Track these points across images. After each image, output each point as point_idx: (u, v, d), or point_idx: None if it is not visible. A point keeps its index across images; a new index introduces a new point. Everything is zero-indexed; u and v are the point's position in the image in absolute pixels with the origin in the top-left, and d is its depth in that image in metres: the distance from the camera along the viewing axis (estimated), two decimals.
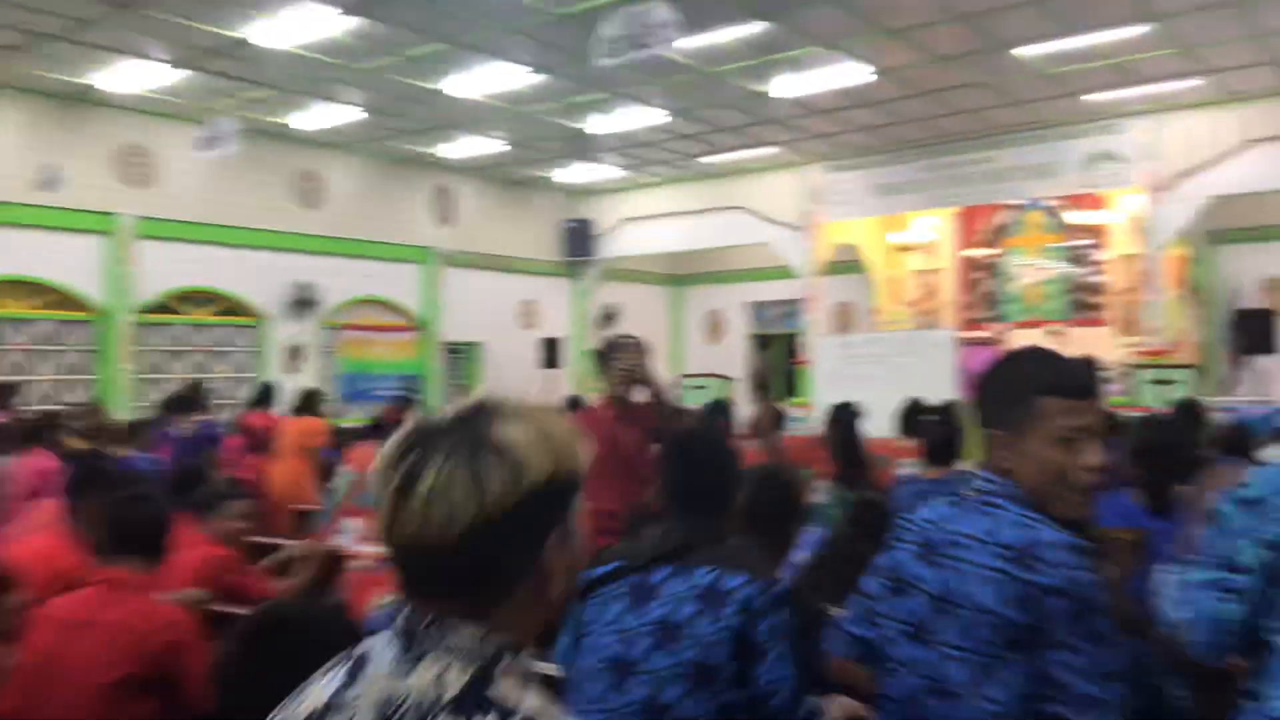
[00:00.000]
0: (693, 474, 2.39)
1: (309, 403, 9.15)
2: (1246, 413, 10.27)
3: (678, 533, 2.28)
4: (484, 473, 1.07)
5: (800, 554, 4.29)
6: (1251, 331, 10.40)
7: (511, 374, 15.20)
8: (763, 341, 17.59)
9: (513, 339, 15.66)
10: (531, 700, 1.08)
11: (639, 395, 4.68)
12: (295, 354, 13.20)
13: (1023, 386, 1.83)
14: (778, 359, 16.65)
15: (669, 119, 12.12)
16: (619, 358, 4.69)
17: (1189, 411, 4.43)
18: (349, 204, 13.78)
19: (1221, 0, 8.58)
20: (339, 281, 13.57)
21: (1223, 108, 11.51)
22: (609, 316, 17.07)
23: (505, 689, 1.08)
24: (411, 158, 14.13)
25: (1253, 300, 13.02)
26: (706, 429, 2.59)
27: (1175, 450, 3.43)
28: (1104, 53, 9.93)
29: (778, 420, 5.95)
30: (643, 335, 14.96)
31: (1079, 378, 1.83)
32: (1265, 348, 10.39)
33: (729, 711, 2.08)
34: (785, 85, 10.81)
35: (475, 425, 1.11)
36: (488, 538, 1.07)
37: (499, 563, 1.10)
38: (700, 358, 17.43)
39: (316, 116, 12.02)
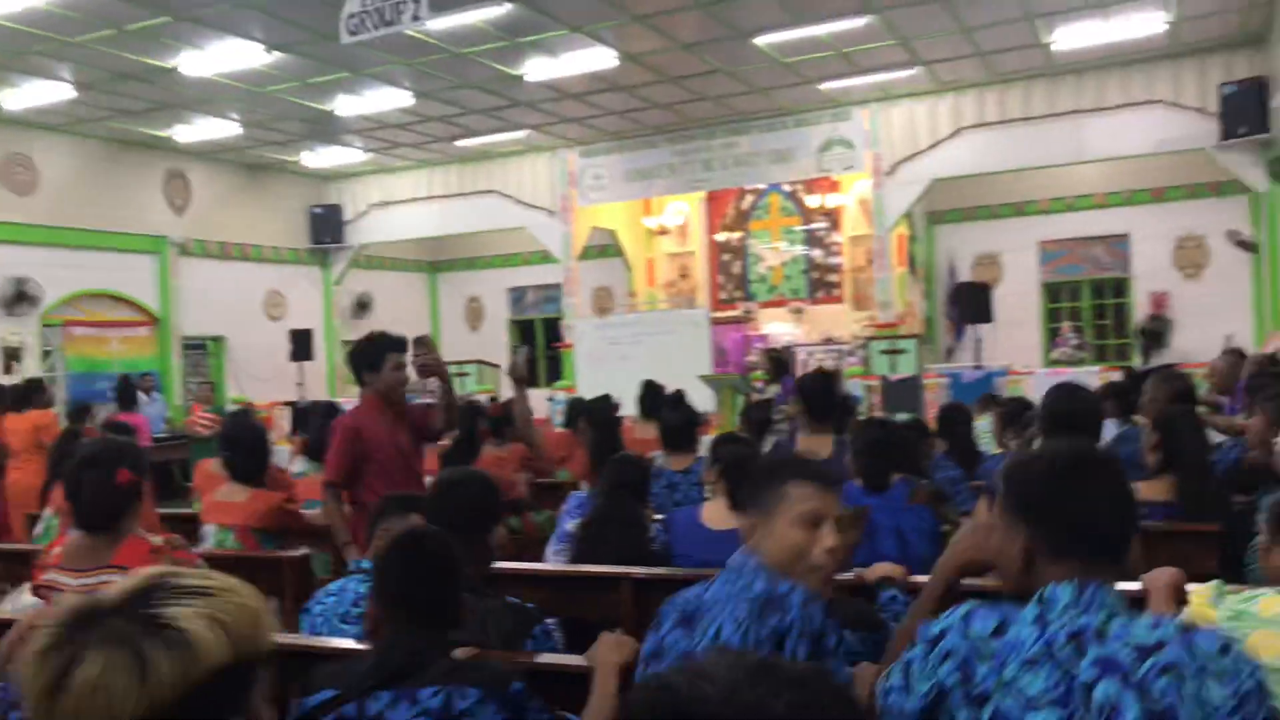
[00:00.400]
0: (416, 582, 2.13)
1: (30, 394, 8.35)
2: (968, 376, 11.30)
3: (399, 651, 2.03)
4: (151, 660, 0.98)
5: (568, 520, 4.35)
6: (970, 303, 11.40)
7: (260, 368, 14.49)
8: (523, 327, 17.62)
9: (259, 331, 14.92)
10: None
11: (419, 392, 4.58)
12: (12, 355, 12.01)
13: (773, 474, 2.09)
14: (539, 344, 16.73)
15: (417, 101, 11.88)
16: (418, 354, 4.55)
17: (916, 427, 5.06)
18: (68, 190, 12.65)
19: None
20: (61, 274, 12.43)
21: (938, 97, 12.53)
22: (363, 305, 16.58)
23: None
24: (140, 140, 13.14)
25: (968, 275, 14.28)
26: (429, 533, 2.29)
27: (895, 446, 3.85)
28: (832, 43, 10.56)
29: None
30: (399, 323, 14.63)
31: (822, 470, 2.09)
32: (983, 317, 11.43)
33: None
34: (536, 68, 10.84)
35: (144, 605, 1.02)
36: None
37: None
38: (461, 345, 17.24)
39: (25, 95, 10.95)
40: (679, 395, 6.61)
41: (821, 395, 4.77)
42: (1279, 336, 9.63)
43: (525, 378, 5.34)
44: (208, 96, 11.35)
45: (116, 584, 1.05)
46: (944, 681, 1.62)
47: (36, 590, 2.77)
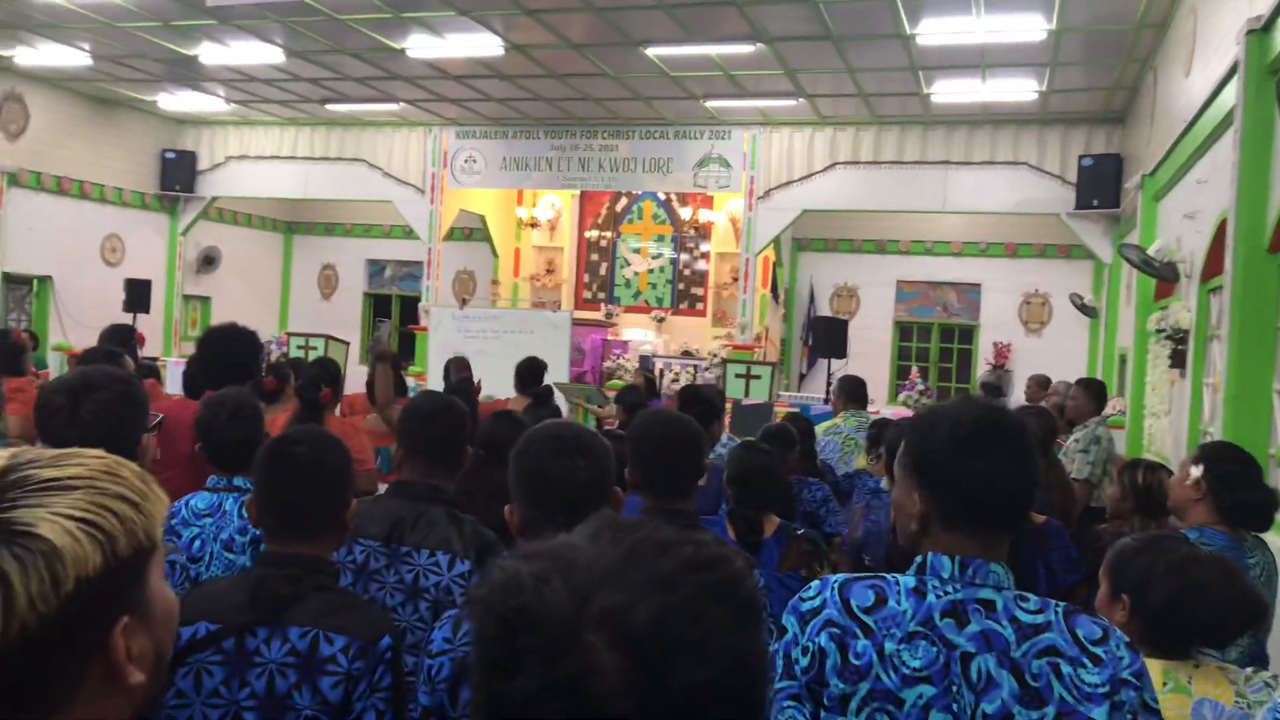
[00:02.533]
0: (288, 490, 2.04)
1: None
2: (817, 409, 11.48)
3: (275, 581, 1.97)
4: (8, 577, 0.81)
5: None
6: (826, 337, 11.59)
7: (89, 315, 13.56)
8: (379, 301, 17.07)
9: (92, 275, 13.96)
10: None
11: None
12: None
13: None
14: (394, 323, 16.24)
15: (289, 60, 11.28)
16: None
17: (781, 437, 4.75)
18: None
19: (822, 34, 9.38)
20: None
21: (817, 129, 12.69)
22: (209, 260, 15.75)
23: None
24: None
25: (828, 303, 14.56)
26: (308, 431, 2.20)
27: (767, 477, 3.56)
28: (720, 64, 10.54)
29: (399, 390, 5.65)
30: (247, 282, 13.86)
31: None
32: (838, 352, 11.65)
33: None
34: (420, 45, 10.44)
35: None
36: (25, 657, 0.82)
37: (45, 680, 0.85)
38: (312, 314, 16.59)
39: None
40: (547, 391, 6.47)
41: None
42: (1112, 401, 10.11)
43: (388, 353, 5.04)
44: (56, 21, 10.50)
45: None
46: (823, 647, 1.57)
47: None
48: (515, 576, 0.74)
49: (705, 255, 15.04)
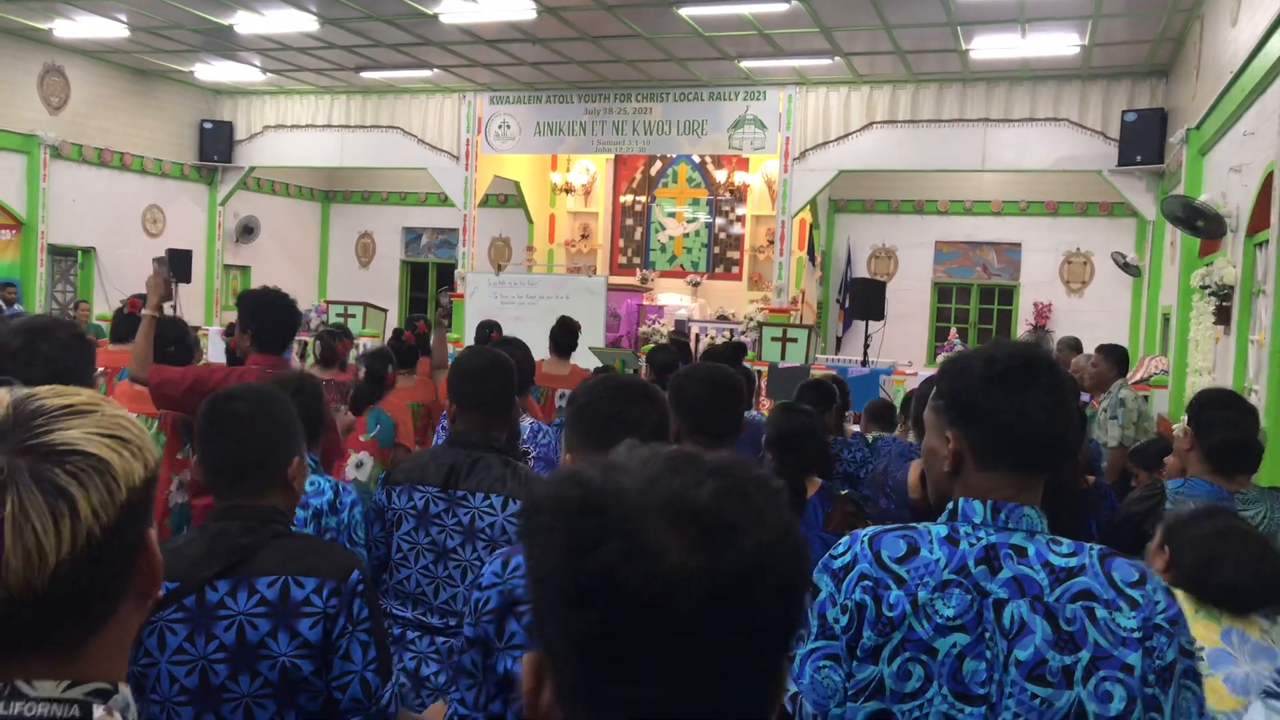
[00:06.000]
0: (232, 448, 2.01)
1: None
2: (854, 371, 11.43)
3: (232, 535, 1.96)
4: (69, 488, 0.85)
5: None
6: (865, 299, 11.50)
7: (132, 285, 13.75)
8: (416, 269, 17.17)
9: (134, 247, 14.16)
10: None
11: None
12: None
13: None
14: (430, 290, 16.34)
15: (322, 27, 11.30)
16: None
17: (819, 391, 4.68)
18: None
19: None
20: None
21: (853, 88, 12.53)
22: (248, 229, 15.90)
23: None
24: (15, 30, 12.21)
25: (864, 266, 14.45)
26: (248, 387, 2.19)
27: (809, 439, 3.51)
28: (755, 23, 10.42)
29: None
30: (286, 252, 14.02)
31: None
32: (875, 314, 11.56)
33: (331, 710, 1.97)
34: (453, 9, 10.41)
35: (25, 432, 0.88)
36: (85, 569, 0.87)
37: (95, 594, 0.90)
38: (351, 282, 16.72)
39: None
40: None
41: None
42: (1153, 360, 9.98)
43: (450, 316, 5.24)
44: None
45: None
46: (859, 602, 1.56)
47: None
48: (580, 472, 0.80)
49: (740, 219, 14.96)
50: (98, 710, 0.89)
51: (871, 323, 11.48)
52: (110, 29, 11.85)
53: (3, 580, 0.83)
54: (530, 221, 15.61)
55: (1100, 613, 1.50)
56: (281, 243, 16.55)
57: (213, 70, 13.85)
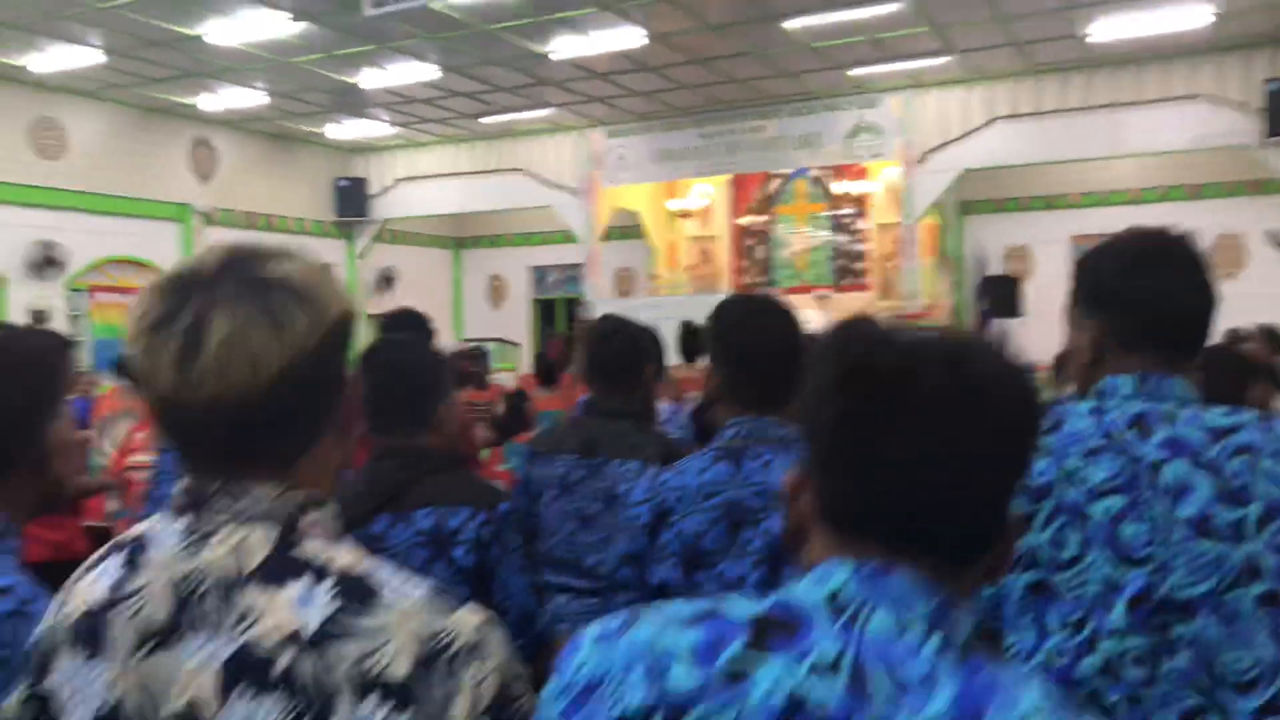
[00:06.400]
0: (390, 386, 2.16)
1: None
2: None
3: (389, 471, 2.11)
4: (282, 313, 0.97)
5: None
6: (998, 296, 11.18)
7: None
8: (545, 306, 17.55)
9: None
10: (345, 555, 0.98)
11: None
12: (39, 318, 12.06)
13: None
14: (557, 325, 16.65)
15: (442, 75, 11.77)
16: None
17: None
18: (96, 156, 12.67)
19: None
20: (87, 240, 12.48)
21: (971, 86, 12.27)
22: (387, 280, 16.56)
23: (314, 548, 0.98)
24: (166, 108, 13.13)
25: (996, 267, 14.04)
26: (397, 341, 2.39)
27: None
28: (863, 28, 10.34)
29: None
30: (423, 300, 14.64)
31: None
32: (1011, 311, 11.22)
33: None
34: (563, 46, 10.69)
35: (246, 267, 1.00)
36: (294, 383, 0.97)
37: (305, 409, 1.01)
38: (483, 322, 17.19)
39: (54, 59, 10.94)
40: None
41: None
42: None
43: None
44: (233, 65, 11.30)
45: (195, 257, 1.02)
46: None
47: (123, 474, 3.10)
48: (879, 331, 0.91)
49: (862, 234, 14.76)
50: (310, 514, 1.00)
51: (1010, 321, 11.12)
52: (251, 98, 12.62)
53: (229, 387, 0.94)
54: (652, 250, 15.78)
55: (1265, 464, 1.44)
56: (418, 291, 17.13)
57: (343, 129, 14.56)
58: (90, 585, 1.01)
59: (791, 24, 10.14)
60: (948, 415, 0.81)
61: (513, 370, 13.51)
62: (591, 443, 2.82)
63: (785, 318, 2.10)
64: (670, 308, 12.80)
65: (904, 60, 11.49)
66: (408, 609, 0.94)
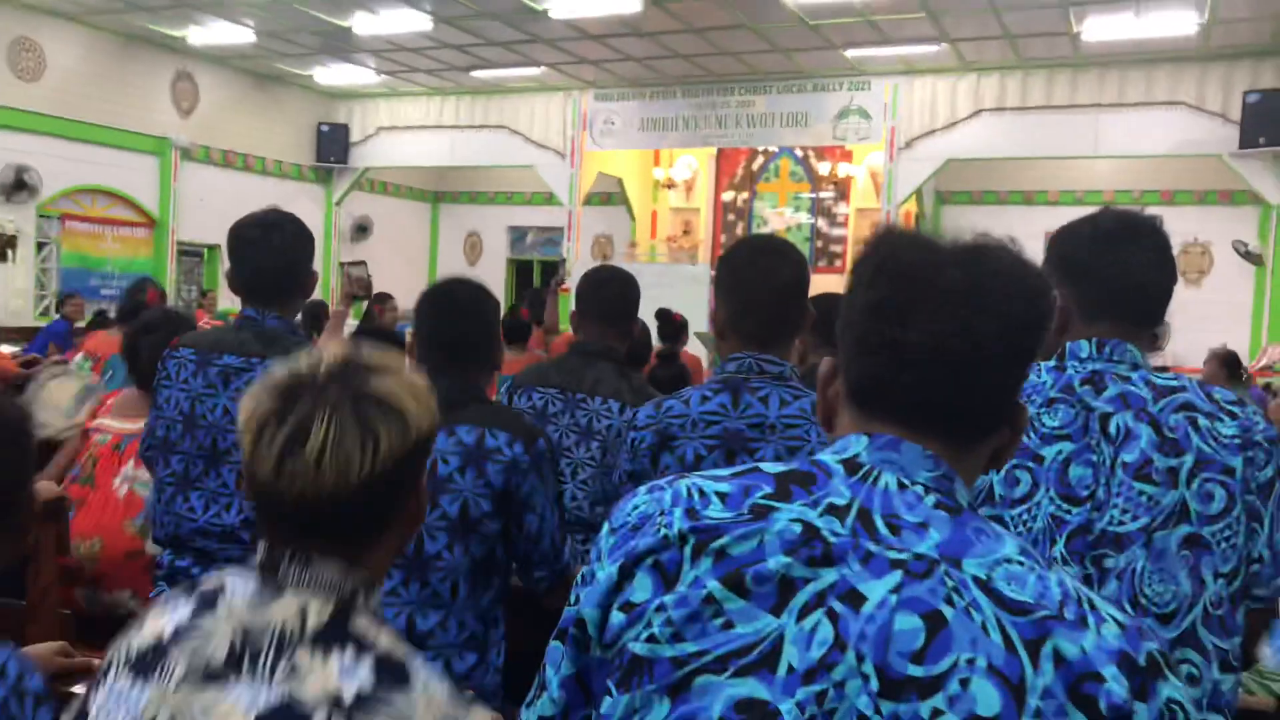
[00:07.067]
0: (452, 325, 2.33)
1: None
2: None
3: (440, 387, 2.17)
4: (376, 426, 1.10)
5: None
6: None
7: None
8: (522, 267, 17.53)
9: None
10: (386, 638, 1.11)
11: None
12: (7, 243, 11.89)
13: None
14: (536, 285, 16.65)
15: (436, 26, 11.69)
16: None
17: None
18: (75, 81, 12.44)
19: None
20: (61, 166, 12.27)
21: (960, 76, 12.40)
22: (362, 229, 16.46)
23: (363, 624, 1.11)
24: (151, 38, 12.92)
25: None
26: (460, 282, 2.51)
27: None
28: (861, 9, 10.42)
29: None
30: (397, 251, 14.41)
31: None
32: None
33: (490, 561, 2.21)
34: (561, 3, 10.66)
35: (351, 379, 1.13)
36: (379, 488, 1.11)
37: (382, 510, 1.15)
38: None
39: None
40: (673, 352, 6.64)
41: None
42: (1275, 348, 9.65)
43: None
44: None
45: (310, 358, 1.15)
46: None
47: (86, 433, 3.20)
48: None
49: (843, 215, 14.89)
50: (363, 595, 1.13)
51: None
52: (238, 34, 12.46)
53: (321, 485, 1.08)
54: (633, 219, 15.82)
55: (1202, 422, 1.61)
56: (393, 242, 17.08)
57: (330, 73, 14.41)
58: (163, 619, 1.12)
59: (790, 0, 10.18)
60: (963, 307, 0.92)
61: None
62: (575, 379, 2.91)
63: (793, 261, 2.22)
64: (649, 276, 12.86)
65: (897, 45, 11.58)
66: (433, 696, 1.07)
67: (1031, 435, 1.67)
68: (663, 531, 0.93)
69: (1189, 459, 1.59)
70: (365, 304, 6.05)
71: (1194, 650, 1.59)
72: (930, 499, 0.91)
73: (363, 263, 5.70)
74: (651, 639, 0.89)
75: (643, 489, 1.00)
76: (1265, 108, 10.75)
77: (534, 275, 17.06)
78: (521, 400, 2.96)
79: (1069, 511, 1.61)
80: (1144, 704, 0.82)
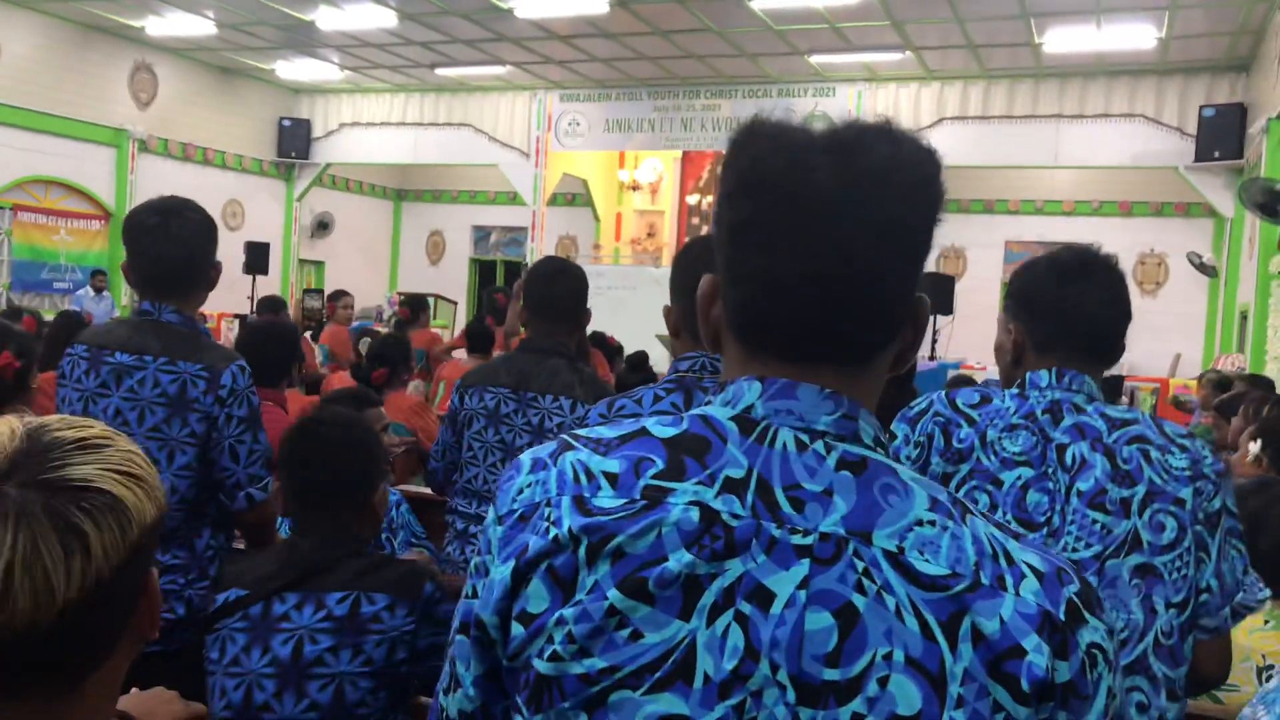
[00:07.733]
0: (318, 469, 2.00)
1: None
2: (922, 365, 11.37)
3: (306, 549, 1.94)
4: (82, 531, 0.82)
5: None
6: (934, 292, 11.42)
7: None
8: (485, 267, 17.44)
9: None
10: None
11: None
12: None
13: None
14: (499, 286, 16.57)
15: (400, 23, 11.59)
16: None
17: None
18: (29, 70, 12.20)
19: None
20: (13, 156, 12.04)
21: (923, 84, 12.50)
22: (323, 225, 16.29)
23: None
24: (109, 27, 12.71)
25: (930, 264, 14.32)
26: (335, 412, 2.22)
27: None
28: (826, 16, 10.46)
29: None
30: (359, 248, 14.31)
31: None
32: (944, 308, 11.49)
33: None
34: (527, 2, 10.61)
35: (37, 467, 0.84)
36: (91, 609, 0.84)
37: (98, 634, 0.88)
38: (418, 278, 17.03)
39: None
40: (642, 356, 6.63)
41: None
42: (1228, 358, 9.80)
43: (519, 294, 5.40)
44: None
45: None
46: (929, 433, 1.76)
47: None
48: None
49: None
50: None
51: (941, 318, 11.39)
52: (199, 26, 12.27)
53: (10, 619, 0.80)
54: (597, 220, 15.78)
55: (1154, 454, 1.68)
56: (355, 239, 16.93)
57: (293, 68, 14.25)
58: None
59: (756, 4, 10.20)
60: (832, 222, 0.81)
61: (446, 328, 13.42)
62: (525, 378, 2.84)
63: None
64: (612, 278, 12.86)
65: (861, 52, 11.65)
66: None
67: (992, 459, 1.71)
68: (552, 532, 0.84)
69: (1141, 489, 1.65)
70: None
71: (1144, 678, 1.64)
72: (832, 458, 0.82)
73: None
74: (555, 656, 0.82)
75: (526, 463, 0.90)
76: (1220, 122, 10.93)
77: (497, 275, 16.97)
78: (473, 400, 2.90)
79: (1025, 536, 1.63)
80: (1065, 661, 0.78)
